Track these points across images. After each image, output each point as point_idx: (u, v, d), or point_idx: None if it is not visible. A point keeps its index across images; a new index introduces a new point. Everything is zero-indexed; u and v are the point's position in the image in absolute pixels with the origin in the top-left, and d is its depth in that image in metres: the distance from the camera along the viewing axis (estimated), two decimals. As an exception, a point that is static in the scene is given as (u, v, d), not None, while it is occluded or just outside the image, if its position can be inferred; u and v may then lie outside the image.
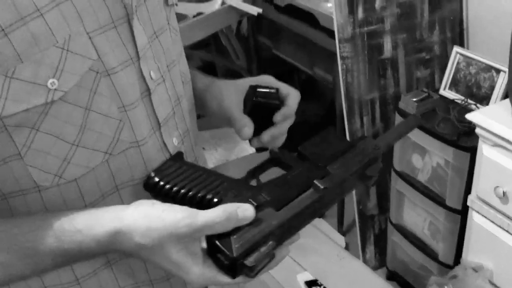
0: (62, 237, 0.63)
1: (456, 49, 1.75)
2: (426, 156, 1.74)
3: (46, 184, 0.65)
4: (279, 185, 0.68)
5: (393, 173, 1.87)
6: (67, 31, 0.61)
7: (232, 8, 2.24)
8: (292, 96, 0.82)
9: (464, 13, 1.88)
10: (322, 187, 0.68)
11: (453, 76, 1.76)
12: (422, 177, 1.77)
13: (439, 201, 1.70)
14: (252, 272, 0.61)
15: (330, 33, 1.89)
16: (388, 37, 1.85)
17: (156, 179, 0.68)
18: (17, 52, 0.58)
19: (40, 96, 0.60)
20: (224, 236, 0.61)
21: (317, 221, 2.39)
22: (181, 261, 0.62)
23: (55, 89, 0.61)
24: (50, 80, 0.60)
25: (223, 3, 2.25)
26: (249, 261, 0.60)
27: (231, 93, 0.83)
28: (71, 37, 0.61)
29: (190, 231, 0.61)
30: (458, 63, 1.75)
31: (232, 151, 2.43)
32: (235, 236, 0.61)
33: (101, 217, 0.64)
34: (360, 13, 1.79)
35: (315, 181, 0.68)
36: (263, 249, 0.61)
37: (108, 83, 0.65)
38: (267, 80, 0.83)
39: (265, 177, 0.73)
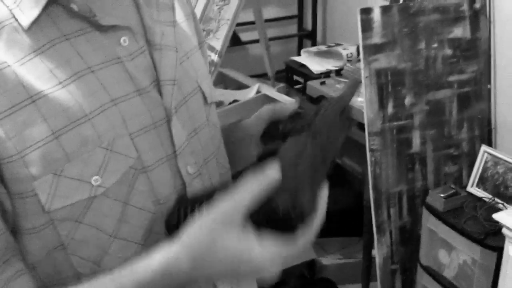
0: (119, 279, 0.63)
1: (484, 148, 1.79)
2: (453, 252, 1.74)
3: (83, 271, 0.68)
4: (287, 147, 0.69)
5: (419, 268, 1.86)
6: (112, 134, 0.66)
7: (266, 96, 2.33)
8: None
9: (492, 114, 1.93)
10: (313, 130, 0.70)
11: (481, 174, 1.79)
12: (449, 274, 1.76)
13: (465, 299, 1.68)
14: (304, 214, 0.61)
15: (360, 126, 1.95)
16: (417, 132, 1.89)
17: (175, 216, 0.68)
18: (66, 153, 0.63)
19: (84, 191, 0.65)
20: (271, 200, 0.62)
21: (341, 312, 2.36)
22: (238, 246, 0.62)
23: (98, 185, 0.65)
24: (94, 177, 0.65)
25: (258, 91, 2.35)
26: (299, 203, 0.61)
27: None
28: (115, 139, 0.66)
29: (228, 209, 0.62)
30: (485, 161, 1.78)
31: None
32: (284, 193, 0.62)
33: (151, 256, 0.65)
34: (390, 109, 1.85)
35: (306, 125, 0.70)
36: (302, 190, 0.62)
37: (145, 179, 0.69)
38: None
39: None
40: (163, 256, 0.63)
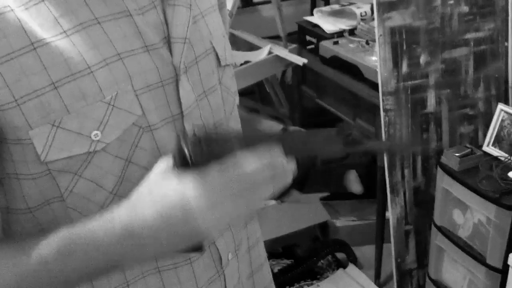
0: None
1: (501, 106, 1.76)
2: (467, 212, 1.72)
3: None
4: None
5: (433, 228, 1.86)
6: (115, 89, 0.64)
7: (278, 57, 2.30)
8: None
9: (509, 72, 1.89)
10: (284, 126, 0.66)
11: (497, 133, 1.76)
12: (463, 233, 1.75)
13: (479, 258, 1.68)
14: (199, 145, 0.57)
15: (374, 86, 1.93)
16: (432, 92, 1.87)
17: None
18: (65, 105, 0.61)
19: (83, 146, 0.63)
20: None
21: (354, 272, 2.37)
22: (179, 190, 0.58)
23: (98, 141, 0.63)
24: (94, 132, 0.63)
25: (270, 52, 2.32)
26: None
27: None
28: (118, 94, 0.64)
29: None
30: (502, 120, 1.75)
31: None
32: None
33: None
34: (404, 68, 1.82)
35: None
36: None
37: (149, 138, 0.67)
38: None
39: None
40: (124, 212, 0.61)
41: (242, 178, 0.57)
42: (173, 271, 0.74)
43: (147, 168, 0.66)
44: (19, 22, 0.60)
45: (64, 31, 0.62)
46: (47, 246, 0.61)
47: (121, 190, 0.67)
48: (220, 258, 0.79)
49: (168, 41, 0.69)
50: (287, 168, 0.59)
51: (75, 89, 0.62)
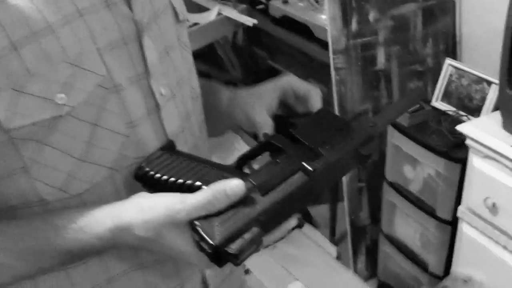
0: (64, 234, 0.62)
1: (448, 61, 1.77)
2: (417, 167, 1.75)
3: (50, 198, 0.65)
4: (267, 170, 0.66)
5: (385, 184, 1.88)
6: (78, 48, 0.61)
7: (227, 19, 2.26)
8: (312, 97, 0.81)
9: (457, 27, 1.90)
10: (311, 169, 0.65)
11: (445, 88, 1.78)
12: (414, 188, 1.78)
13: (430, 212, 1.71)
14: (237, 259, 0.59)
15: (324, 45, 1.91)
16: (381, 49, 1.86)
17: (146, 169, 0.66)
18: (27, 67, 0.58)
19: (48, 110, 0.60)
20: (208, 221, 0.60)
21: (309, 231, 2.40)
22: (182, 248, 0.61)
23: (63, 104, 0.61)
24: (59, 95, 0.60)
25: (219, 13, 2.27)
26: (232, 248, 0.59)
27: (254, 103, 0.82)
28: (81, 53, 0.61)
29: (183, 215, 0.60)
30: (450, 75, 1.77)
31: (226, 160, 2.43)
32: (217, 223, 0.60)
33: (99, 216, 0.63)
34: (354, 25, 1.81)
35: (303, 163, 0.66)
36: (247, 235, 0.59)
37: (116, 100, 0.65)
38: (288, 85, 0.82)
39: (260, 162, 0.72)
40: (114, 223, 0.62)
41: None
42: (158, 265, 0.76)
43: (114, 131, 0.65)
44: None
45: None
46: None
47: (89, 156, 0.65)
48: None
49: None
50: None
51: (37, 50, 0.58)
